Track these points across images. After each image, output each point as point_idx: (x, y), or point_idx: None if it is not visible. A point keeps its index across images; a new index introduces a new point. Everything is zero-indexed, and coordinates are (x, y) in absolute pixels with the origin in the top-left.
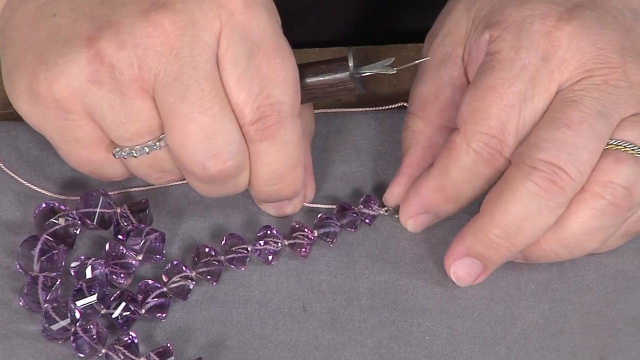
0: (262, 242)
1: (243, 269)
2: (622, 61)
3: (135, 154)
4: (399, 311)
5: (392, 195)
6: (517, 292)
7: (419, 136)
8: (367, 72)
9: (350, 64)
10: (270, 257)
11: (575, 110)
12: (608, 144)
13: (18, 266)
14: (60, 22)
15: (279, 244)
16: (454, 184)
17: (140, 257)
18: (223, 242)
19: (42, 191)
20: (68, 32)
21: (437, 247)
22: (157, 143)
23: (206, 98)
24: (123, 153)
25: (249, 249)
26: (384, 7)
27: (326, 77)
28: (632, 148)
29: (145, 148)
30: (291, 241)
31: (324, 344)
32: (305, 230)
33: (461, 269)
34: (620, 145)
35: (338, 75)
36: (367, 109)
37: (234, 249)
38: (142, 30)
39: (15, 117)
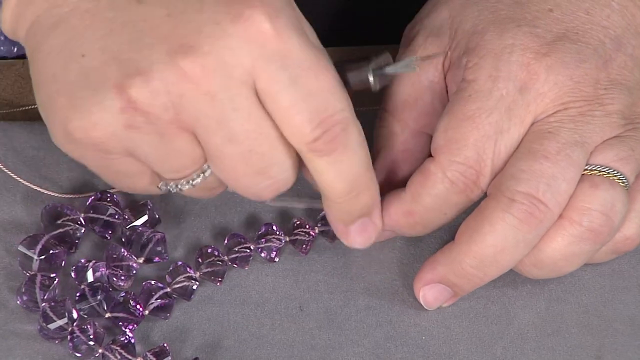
0: (264, 240)
1: (246, 268)
2: (595, 94)
3: (182, 188)
4: (395, 311)
5: None
6: (514, 291)
7: (395, 139)
8: (390, 72)
9: (372, 65)
10: (273, 254)
11: (552, 141)
12: (584, 170)
13: (19, 264)
14: (89, 65)
15: (282, 241)
16: (424, 211)
17: (141, 260)
18: (225, 242)
19: (46, 191)
20: (98, 77)
21: (434, 247)
22: (203, 174)
23: (253, 137)
24: (169, 188)
25: (252, 248)
26: (361, 7)
27: (350, 79)
28: (607, 171)
29: (191, 182)
30: (292, 237)
31: (321, 344)
32: (307, 226)
33: (430, 294)
34: (595, 170)
35: (361, 77)
36: (364, 108)
37: (236, 248)
38: (173, 77)
39: (11, 118)
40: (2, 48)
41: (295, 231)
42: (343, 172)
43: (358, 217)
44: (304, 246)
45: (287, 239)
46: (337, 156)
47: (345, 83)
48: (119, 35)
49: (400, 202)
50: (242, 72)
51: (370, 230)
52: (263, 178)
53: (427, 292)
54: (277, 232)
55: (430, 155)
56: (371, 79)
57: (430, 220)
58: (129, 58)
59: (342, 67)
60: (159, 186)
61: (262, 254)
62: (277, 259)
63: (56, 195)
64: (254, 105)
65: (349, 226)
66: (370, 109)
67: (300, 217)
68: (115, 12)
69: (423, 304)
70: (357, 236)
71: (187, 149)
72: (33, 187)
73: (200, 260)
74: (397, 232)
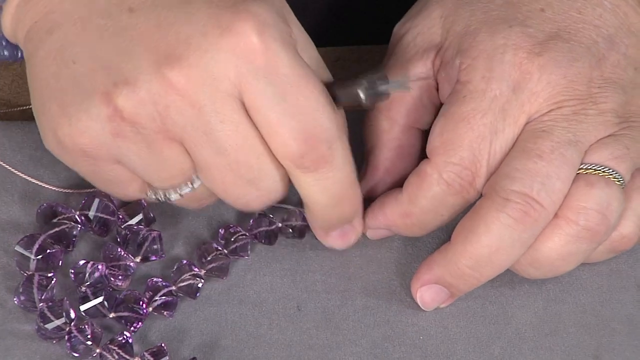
0: (262, 224)
1: (247, 257)
2: (588, 93)
3: (170, 197)
4: (393, 311)
5: None
6: (512, 291)
7: (385, 137)
8: (383, 91)
9: (365, 84)
10: (269, 238)
11: (546, 140)
12: (579, 169)
13: (16, 264)
14: (79, 71)
15: (276, 224)
16: (421, 213)
17: (138, 259)
18: (220, 235)
19: (45, 185)
20: (87, 84)
21: (431, 247)
22: (192, 185)
23: (240, 149)
24: (157, 197)
25: (247, 235)
26: (359, 7)
27: (340, 97)
28: (603, 170)
29: (179, 191)
30: (286, 222)
31: (319, 344)
32: (299, 212)
33: (427, 295)
34: (590, 168)
35: (352, 95)
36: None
37: (233, 239)
38: (159, 87)
39: (9, 117)
40: (5, 53)
41: (288, 217)
42: (328, 189)
43: (339, 226)
44: (298, 231)
45: (280, 224)
46: (323, 173)
47: (336, 100)
48: (109, 43)
49: (397, 204)
50: (228, 85)
51: (350, 235)
52: (252, 189)
53: (424, 293)
54: (271, 219)
55: (424, 154)
56: (363, 96)
57: (426, 222)
58: (117, 66)
59: (333, 85)
60: (148, 194)
61: (259, 240)
62: (274, 244)
63: (54, 188)
64: (241, 118)
65: (330, 232)
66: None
67: (293, 207)
68: (107, 20)
69: (420, 305)
70: (337, 240)
71: (175, 159)
72: (32, 180)
73: (203, 259)
74: (393, 231)
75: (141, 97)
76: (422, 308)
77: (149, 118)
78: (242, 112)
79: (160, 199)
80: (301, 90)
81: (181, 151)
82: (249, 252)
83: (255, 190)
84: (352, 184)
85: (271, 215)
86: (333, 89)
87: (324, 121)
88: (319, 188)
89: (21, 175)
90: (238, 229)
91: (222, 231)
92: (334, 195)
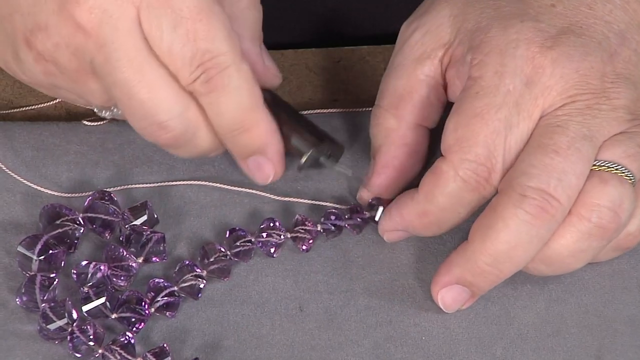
0: (264, 235)
1: (248, 261)
2: (602, 87)
3: (106, 116)
4: (395, 311)
5: (367, 195)
6: (514, 292)
7: (393, 134)
8: (326, 166)
9: (318, 150)
10: (272, 250)
11: (562, 135)
12: (592, 165)
13: (18, 265)
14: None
15: (282, 237)
16: (438, 211)
17: (140, 260)
18: (227, 236)
19: (45, 190)
20: (8, 29)
21: (434, 247)
22: (113, 110)
23: (136, 80)
24: (99, 113)
25: (253, 241)
26: (359, 7)
27: (294, 142)
28: (615, 167)
29: (112, 112)
30: (294, 234)
31: (321, 344)
32: (308, 223)
33: (449, 296)
34: (603, 165)
35: (300, 147)
36: (364, 109)
37: (238, 242)
38: (67, 31)
39: (10, 118)
40: None
41: (297, 228)
42: (224, 113)
43: (250, 153)
44: (304, 243)
45: (289, 235)
46: (216, 97)
47: (286, 135)
48: None
49: (413, 203)
50: (126, 21)
51: (266, 168)
52: (152, 119)
53: (445, 295)
54: (279, 228)
55: (430, 152)
56: (304, 158)
57: (444, 220)
58: (28, 12)
59: (297, 124)
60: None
61: (262, 249)
62: (275, 255)
63: (55, 194)
64: (138, 52)
65: (245, 161)
66: (369, 110)
67: (302, 214)
68: None
69: (442, 307)
70: (254, 172)
71: (97, 89)
72: (33, 186)
73: (206, 259)
74: (410, 232)
75: (56, 41)
76: (444, 310)
77: (66, 59)
78: (142, 47)
79: (100, 114)
80: (192, 20)
81: (100, 83)
82: (251, 258)
83: (155, 120)
84: (251, 110)
85: (282, 229)
86: (293, 126)
87: (219, 46)
88: (216, 112)
89: (22, 180)
90: (246, 235)
91: (229, 232)
92: (232, 120)
